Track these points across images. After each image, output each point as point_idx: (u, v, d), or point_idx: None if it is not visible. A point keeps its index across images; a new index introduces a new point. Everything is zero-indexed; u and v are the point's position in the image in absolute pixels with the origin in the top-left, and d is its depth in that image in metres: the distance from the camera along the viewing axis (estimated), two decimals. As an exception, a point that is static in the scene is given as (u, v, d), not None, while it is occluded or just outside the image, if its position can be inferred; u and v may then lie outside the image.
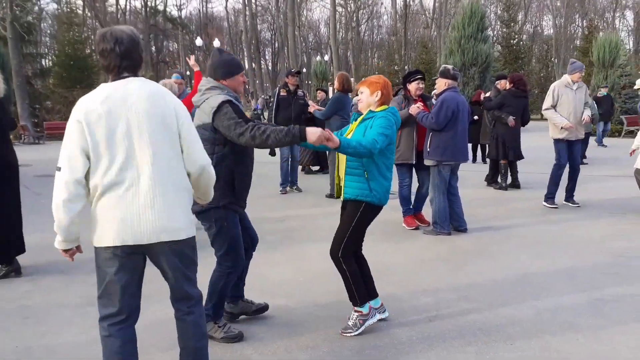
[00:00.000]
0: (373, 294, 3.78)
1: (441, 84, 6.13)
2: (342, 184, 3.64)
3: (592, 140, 14.74)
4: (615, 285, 4.50)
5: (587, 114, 7.39)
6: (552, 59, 44.46)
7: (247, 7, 48.47)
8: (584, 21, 49.76)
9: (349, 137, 3.56)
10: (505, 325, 3.72)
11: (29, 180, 10.61)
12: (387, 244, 5.85)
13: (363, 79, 3.77)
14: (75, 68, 26.92)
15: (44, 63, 34.07)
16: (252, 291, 4.08)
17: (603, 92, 16.73)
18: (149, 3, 54.86)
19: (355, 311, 3.62)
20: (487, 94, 10.22)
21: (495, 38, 39.58)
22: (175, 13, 60.51)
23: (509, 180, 9.43)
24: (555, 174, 7.63)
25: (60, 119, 22.75)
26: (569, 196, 7.77)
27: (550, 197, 7.68)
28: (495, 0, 49.34)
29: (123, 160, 2.42)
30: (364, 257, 3.78)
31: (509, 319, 3.83)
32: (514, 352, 3.34)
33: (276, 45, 60.47)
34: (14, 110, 21.49)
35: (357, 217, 3.53)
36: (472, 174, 10.56)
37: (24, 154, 16.60)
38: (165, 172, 2.48)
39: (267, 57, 69.55)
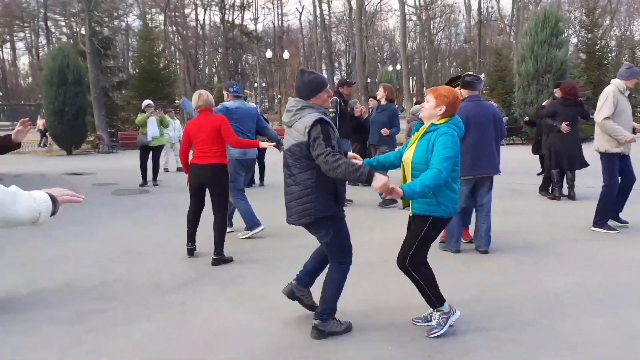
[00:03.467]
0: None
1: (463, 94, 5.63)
2: None
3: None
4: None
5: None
6: (642, 64, 41.48)
7: (317, 19, 48.93)
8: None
9: (410, 152, 3.54)
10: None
11: (87, 189, 11.00)
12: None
13: (434, 87, 3.70)
14: (150, 80, 28.17)
15: (124, 76, 35.81)
16: (241, 308, 3.84)
17: None
18: (226, 17, 56.75)
19: (437, 311, 3.64)
20: (544, 103, 9.60)
21: (579, 44, 37.51)
22: (251, 27, 62.29)
23: (565, 191, 8.83)
24: (610, 195, 6.49)
25: (134, 130, 23.74)
26: (616, 214, 6.74)
27: (605, 221, 6.55)
28: (580, 5, 46.89)
29: None
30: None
31: None
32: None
33: (350, 56, 60.58)
34: (91, 120, 22.67)
35: (424, 231, 3.52)
36: (531, 187, 9.88)
37: (95, 162, 17.45)
38: None
39: (343, 68, 69.89)
